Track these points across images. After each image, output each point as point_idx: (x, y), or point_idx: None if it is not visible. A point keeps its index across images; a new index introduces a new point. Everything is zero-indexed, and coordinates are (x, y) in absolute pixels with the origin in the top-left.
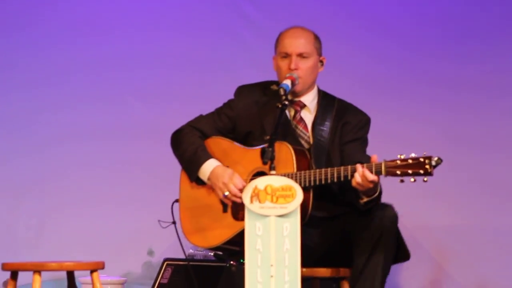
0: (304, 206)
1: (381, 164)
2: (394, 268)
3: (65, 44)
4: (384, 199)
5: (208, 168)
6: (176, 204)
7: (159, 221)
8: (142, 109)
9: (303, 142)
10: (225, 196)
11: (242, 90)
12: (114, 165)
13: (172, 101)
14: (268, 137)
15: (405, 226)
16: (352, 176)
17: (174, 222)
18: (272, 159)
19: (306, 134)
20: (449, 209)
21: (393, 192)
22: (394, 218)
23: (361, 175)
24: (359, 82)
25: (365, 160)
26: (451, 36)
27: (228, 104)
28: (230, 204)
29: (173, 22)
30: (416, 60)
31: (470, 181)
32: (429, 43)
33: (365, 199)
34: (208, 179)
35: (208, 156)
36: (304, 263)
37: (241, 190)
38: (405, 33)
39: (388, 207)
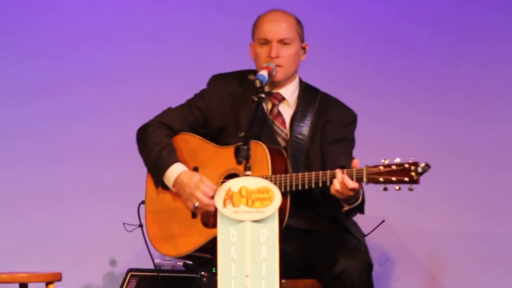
0: (280, 212)
1: (362, 170)
2: (382, 279)
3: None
4: (370, 200)
5: (172, 174)
6: (142, 207)
7: (124, 224)
8: (105, 102)
9: (279, 139)
10: (196, 208)
11: (216, 80)
12: (71, 163)
13: (138, 94)
14: (242, 134)
15: (394, 232)
16: (332, 182)
17: (141, 225)
18: (247, 158)
19: (284, 131)
20: (442, 214)
21: (380, 193)
22: (366, 267)
23: (340, 182)
24: (345, 83)
25: (349, 165)
26: (444, 39)
27: (200, 95)
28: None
29: (138, 6)
30: (406, 63)
31: (465, 184)
32: (420, 46)
33: (346, 208)
34: (173, 186)
35: (174, 160)
36: (282, 276)
37: (212, 198)
38: (397, 35)
39: (360, 254)
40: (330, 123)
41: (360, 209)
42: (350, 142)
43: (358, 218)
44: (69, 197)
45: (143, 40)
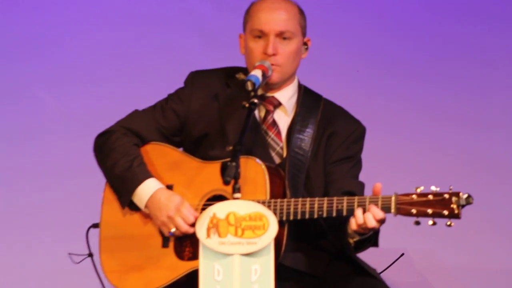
0: (275, 246)
1: (390, 198)
2: None
3: None
4: (387, 230)
5: (147, 191)
6: (94, 231)
7: (69, 254)
8: (56, 106)
9: (273, 154)
10: (172, 234)
11: (196, 78)
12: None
13: (101, 95)
14: (231, 148)
15: (413, 266)
16: (349, 211)
17: (90, 255)
18: (236, 177)
19: (279, 144)
20: (469, 246)
21: (398, 222)
22: None
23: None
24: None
25: (359, 191)
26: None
27: (176, 96)
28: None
29: None
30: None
31: (496, 213)
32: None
33: (357, 238)
34: (146, 206)
35: (147, 175)
36: None
37: (193, 225)
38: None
39: None
40: (335, 137)
41: (374, 240)
42: (358, 162)
43: (373, 251)
44: (17, 228)
45: (113, 30)
